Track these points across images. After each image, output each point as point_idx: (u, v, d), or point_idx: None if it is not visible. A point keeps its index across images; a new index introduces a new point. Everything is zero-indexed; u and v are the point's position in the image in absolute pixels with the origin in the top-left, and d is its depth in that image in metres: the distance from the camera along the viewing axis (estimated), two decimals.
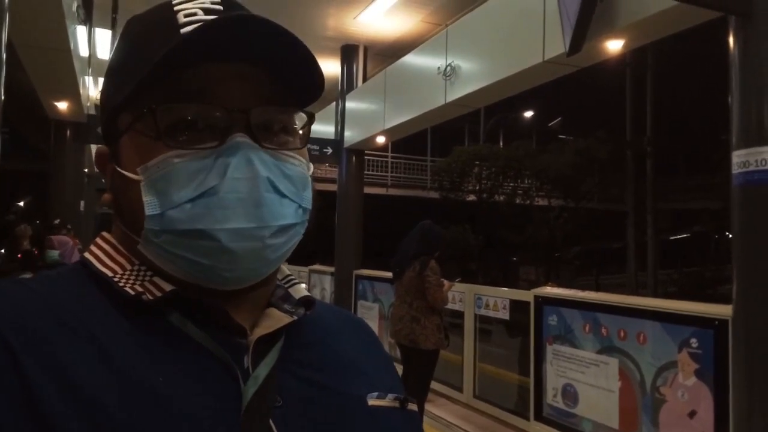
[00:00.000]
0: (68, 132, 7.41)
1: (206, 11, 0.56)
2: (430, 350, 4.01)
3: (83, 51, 6.66)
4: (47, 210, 7.67)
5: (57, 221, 6.52)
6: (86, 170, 9.25)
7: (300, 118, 0.59)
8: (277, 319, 0.57)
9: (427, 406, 5.41)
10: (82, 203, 7.91)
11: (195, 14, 0.55)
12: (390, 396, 0.61)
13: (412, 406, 0.64)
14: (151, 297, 0.53)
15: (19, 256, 6.27)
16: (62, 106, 6.71)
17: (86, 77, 7.39)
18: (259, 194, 0.52)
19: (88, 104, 7.36)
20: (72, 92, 6.32)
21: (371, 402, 0.59)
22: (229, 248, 0.51)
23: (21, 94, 7.39)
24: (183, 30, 0.54)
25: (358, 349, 0.66)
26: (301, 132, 0.59)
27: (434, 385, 5.45)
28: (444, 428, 4.87)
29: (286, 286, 0.63)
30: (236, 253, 0.52)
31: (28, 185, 21.61)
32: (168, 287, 0.54)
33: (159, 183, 0.52)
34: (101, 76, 7.95)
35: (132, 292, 0.53)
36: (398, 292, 4.26)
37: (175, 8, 0.56)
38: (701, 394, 2.89)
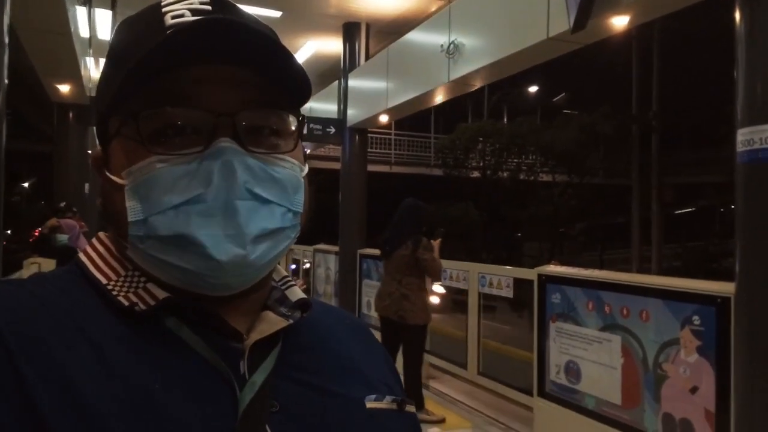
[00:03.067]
0: (71, 114, 7.40)
1: (194, 12, 0.55)
2: (419, 326, 4.19)
3: (84, 32, 6.61)
4: (52, 192, 7.70)
5: (63, 204, 6.55)
6: (90, 152, 9.26)
7: (292, 120, 0.58)
8: (272, 322, 0.57)
9: (432, 383, 5.49)
10: (86, 186, 7.93)
11: (182, 15, 0.54)
12: (388, 398, 0.61)
13: (410, 408, 0.64)
14: (144, 307, 0.52)
15: (35, 233, 6.38)
16: (64, 88, 6.69)
17: (87, 58, 7.35)
18: (240, 201, 0.51)
19: (90, 86, 7.33)
20: (73, 75, 6.30)
21: (369, 404, 0.60)
22: (212, 255, 0.51)
23: (23, 76, 7.37)
24: (169, 32, 0.53)
25: (356, 350, 0.66)
26: (294, 134, 0.58)
27: (439, 361, 5.53)
28: (449, 404, 4.95)
29: (282, 288, 0.63)
30: (219, 260, 0.51)
31: (32, 166, 21.66)
32: (162, 294, 0.53)
33: (142, 188, 0.52)
34: (102, 57, 7.90)
35: (126, 303, 0.53)
36: (387, 269, 4.42)
37: (164, 9, 0.55)
38: (703, 371, 2.92)
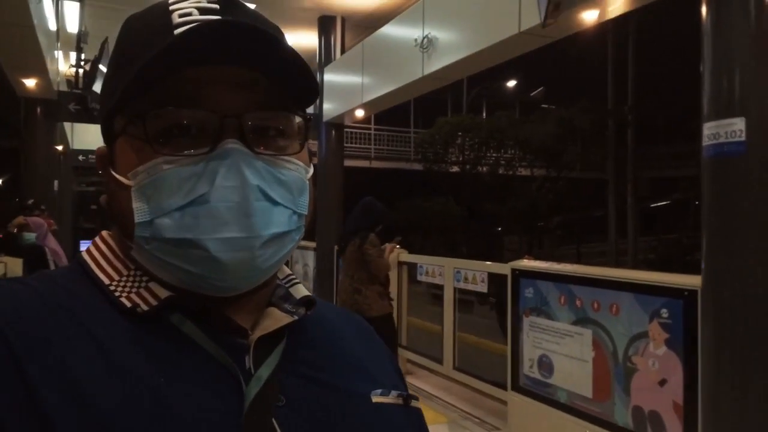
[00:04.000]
0: (38, 109, 7.23)
1: (201, 11, 0.55)
2: (374, 317, 4.24)
3: (51, 25, 6.45)
4: (21, 189, 7.55)
5: (30, 201, 6.41)
6: (61, 148, 9.05)
7: (298, 121, 0.58)
8: (277, 319, 0.57)
9: (409, 378, 5.50)
10: (56, 182, 7.77)
11: (190, 14, 0.54)
12: (393, 393, 0.62)
13: (416, 404, 0.64)
14: (146, 307, 0.53)
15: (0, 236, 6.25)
16: (30, 83, 6.52)
17: (55, 52, 7.17)
18: (248, 203, 0.51)
19: (59, 80, 7.16)
20: (39, 69, 6.13)
21: (375, 399, 0.60)
22: (218, 258, 0.51)
23: None
24: (177, 31, 0.53)
25: (360, 347, 0.66)
26: (300, 135, 0.58)
27: (415, 357, 5.54)
28: (425, 400, 4.95)
29: (286, 285, 0.63)
30: (226, 263, 0.51)
31: (6, 163, 21.19)
32: (164, 294, 0.53)
33: (148, 189, 0.52)
34: (72, 51, 7.72)
35: (128, 304, 0.53)
36: (343, 266, 4.59)
37: (171, 8, 0.55)
38: (671, 363, 2.95)
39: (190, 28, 0.52)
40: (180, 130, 0.52)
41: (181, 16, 0.54)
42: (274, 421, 0.51)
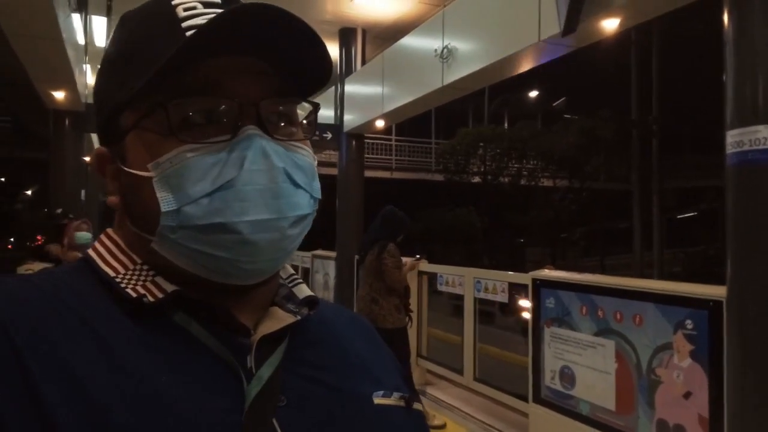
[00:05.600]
0: (67, 121, 7.42)
1: (205, 4, 0.56)
2: (389, 329, 4.20)
3: (79, 39, 6.62)
4: (48, 199, 7.71)
5: (59, 211, 6.47)
6: (88, 159, 9.25)
7: (304, 109, 0.59)
8: (280, 318, 0.58)
9: (429, 389, 5.45)
10: (83, 192, 7.93)
11: (194, 8, 0.55)
12: (396, 395, 0.61)
13: (418, 406, 0.64)
14: (152, 299, 0.52)
15: (38, 238, 5.98)
16: (59, 95, 6.69)
17: (84, 65, 7.36)
18: (277, 185, 0.52)
19: (86, 92, 7.35)
20: (68, 81, 6.29)
21: (377, 400, 0.60)
22: (251, 240, 0.52)
23: (24, 84, 7.36)
24: (184, 24, 0.54)
25: (363, 348, 0.66)
26: (306, 122, 0.59)
27: (435, 367, 5.50)
28: (445, 410, 4.91)
29: (290, 285, 0.63)
30: (258, 244, 0.52)
31: (34, 174, 21.73)
32: (170, 288, 0.53)
33: (172, 178, 0.52)
34: (99, 64, 7.88)
35: (133, 294, 0.53)
36: (362, 275, 4.55)
37: (174, 2, 0.56)
38: (696, 375, 2.89)
39: (214, 18, 0.52)
40: (200, 118, 0.53)
41: (185, 9, 0.55)
42: (274, 421, 0.51)
